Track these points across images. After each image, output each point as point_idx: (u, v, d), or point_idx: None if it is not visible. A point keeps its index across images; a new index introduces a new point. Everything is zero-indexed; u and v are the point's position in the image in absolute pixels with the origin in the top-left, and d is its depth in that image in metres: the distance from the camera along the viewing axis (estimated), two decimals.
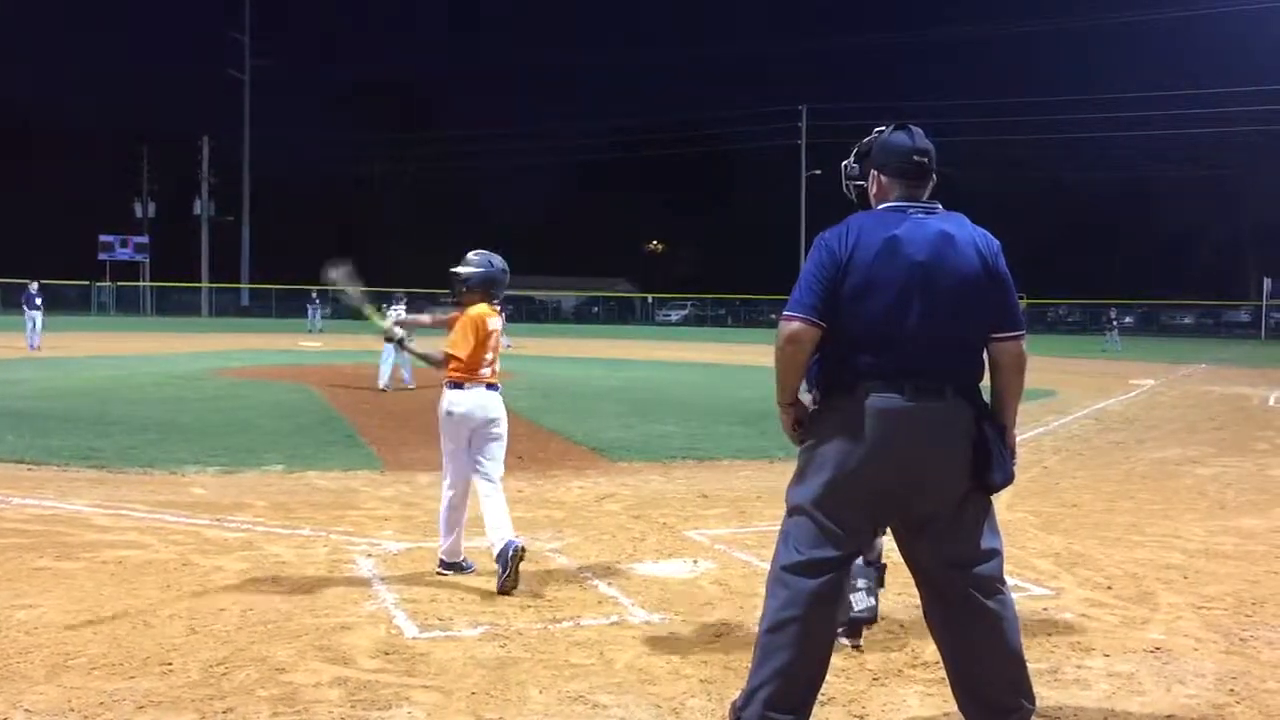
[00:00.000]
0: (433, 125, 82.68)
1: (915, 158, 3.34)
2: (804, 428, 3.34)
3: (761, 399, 16.21)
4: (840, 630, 3.81)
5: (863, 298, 3.18)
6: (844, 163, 3.60)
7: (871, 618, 4.23)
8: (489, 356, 5.64)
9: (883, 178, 3.39)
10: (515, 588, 5.23)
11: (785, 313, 3.25)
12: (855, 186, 3.54)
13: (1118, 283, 61.71)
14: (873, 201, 3.42)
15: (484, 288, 5.69)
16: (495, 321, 5.71)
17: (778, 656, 3.21)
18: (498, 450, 5.66)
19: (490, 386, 5.63)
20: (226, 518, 6.89)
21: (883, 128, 3.48)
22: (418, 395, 16.10)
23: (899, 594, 4.88)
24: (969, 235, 3.27)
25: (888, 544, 4.12)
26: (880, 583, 4.48)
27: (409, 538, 6.44)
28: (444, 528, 5.67)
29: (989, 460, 3.21)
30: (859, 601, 4.07)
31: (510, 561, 5.25)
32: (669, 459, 10.11)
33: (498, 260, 5.76)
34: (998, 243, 3.32)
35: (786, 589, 3.24)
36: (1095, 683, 4.07)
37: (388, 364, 16.66)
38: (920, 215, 3.28)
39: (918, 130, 3.40)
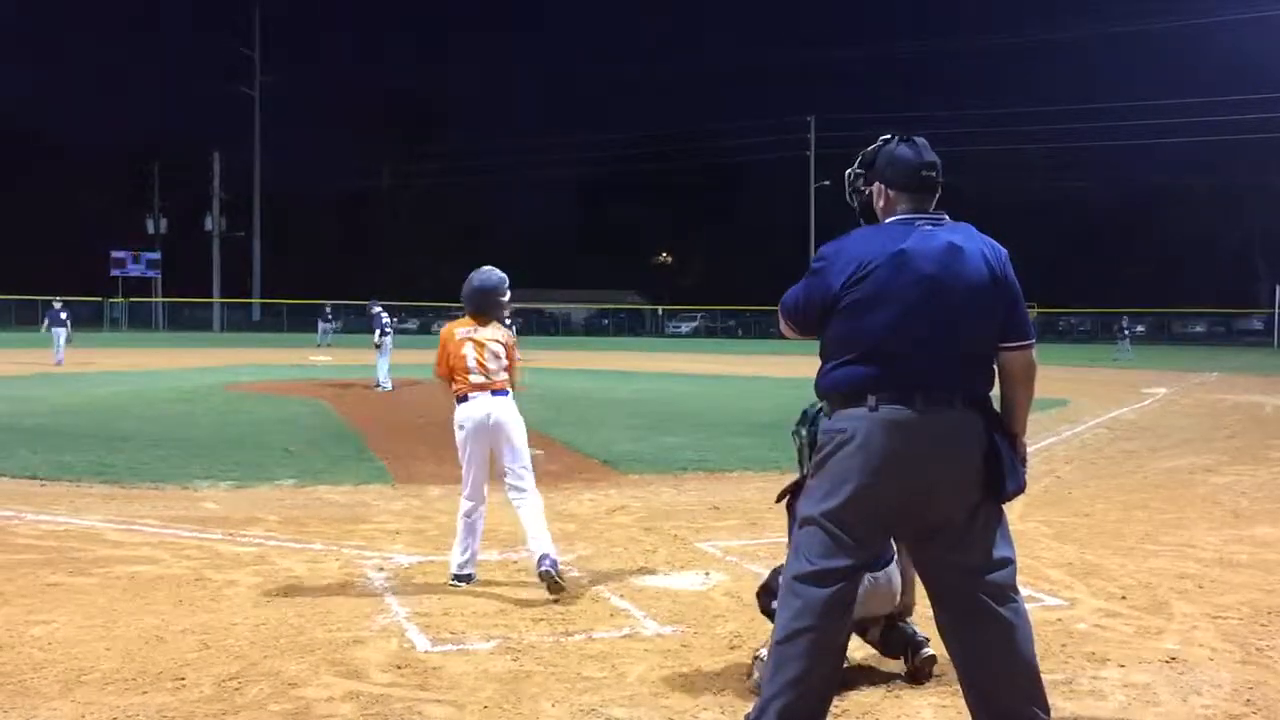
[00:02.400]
0: (441, 139, 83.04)
1: (924, 173, 3.34)
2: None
3: (772, 410, 16.18)
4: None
5: (871, 310, 3.18)
6: (848, 171, 3.58)
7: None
8: (472, 365, 5.70)
9: (890, 192, 3.37)
10: (560, 592, 5.34)
11: (781, 309, 3.42)
12: (859, 196, 3.52)
13: (1129, 291, 61.54)
14: (879, 215, 3.40)
15: (467, 304, 5.88)
16: (485, 332, 5.80)
17: (791, 667, 3.20)
18: (515, 456, 5.73)
19: (496, 392, 5.70)
20: (238, 532, 6.91)
21: (887, 137, 3.46)
22: (428, 407, 16.12)
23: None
24: (977, 246, 3.26)
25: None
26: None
27: (420, 551, 6.45)
28: (457, 539, 5.74)
29: (1000, 469, 3.20)
30: None
31: (546, 578, 5.35)
32: (680, 471, 10.09)
33: (473, 277, 5.89)
34: (1005, 251, 3.31)
35: (798, 599, 3.23)
36: (1111, 693, 4.05)
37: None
38: (927, 227, 3.27)
39: (922, 142, 3.39)
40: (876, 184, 3.41)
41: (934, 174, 3.35)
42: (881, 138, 3.47)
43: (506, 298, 5.93)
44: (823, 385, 3.34)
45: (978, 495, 3.21)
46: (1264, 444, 12.59)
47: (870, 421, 3.17)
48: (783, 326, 3.50)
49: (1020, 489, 3.26)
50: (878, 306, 3.18)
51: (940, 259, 3.20)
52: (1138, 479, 9.82)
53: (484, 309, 5.85)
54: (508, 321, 6.13)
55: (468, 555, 5.70)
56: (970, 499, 3.21)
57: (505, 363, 5.77)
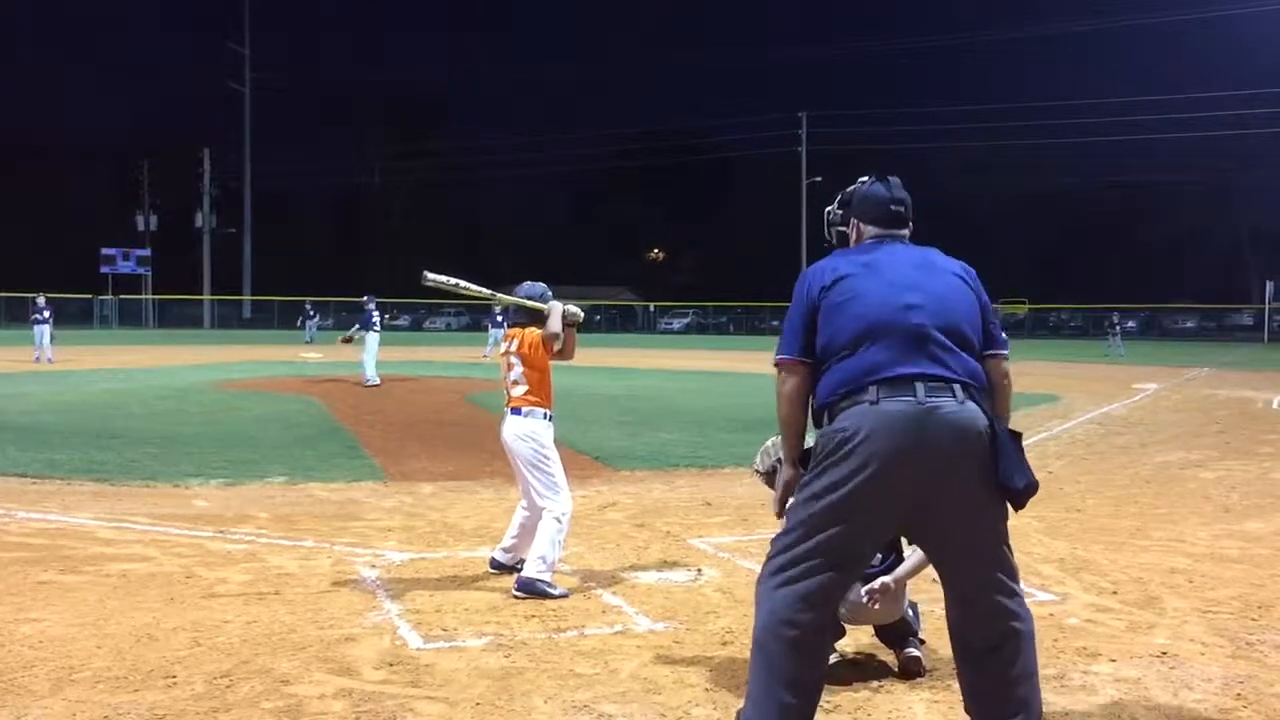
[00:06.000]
0: (434, 136, 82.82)
1: (892, 207, 3.54)
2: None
3: (764, 406, 16.16)
4: None
5: (851, 305, 3.27)
6: (826, 209, 3.82)
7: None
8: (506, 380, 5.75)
9: (861, 225, 3.58)
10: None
11: (775, 358, 3.41)
12: (837, 232, 3.74)
13: (1120, 287, 61.76)
14: (852, 246, 3.60)
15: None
16: (504, 345, 5.85)
17: (778, 662, 3.19)
18: (521, 477, 5.71)
19: (513, 410, 5.68)
20: (230, 530, 6.89)
21: (865, 179, 3.65)
22: (421, 404, 16.10)
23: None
24: (946, 259, 3.46)
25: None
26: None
27: (412, 548, 6.44)
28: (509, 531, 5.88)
29: (1009, 462, 3.13)
30: None
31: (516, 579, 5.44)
32: (672, 467, 10.11)
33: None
34: (973, 270, 3.49)
35: (779, 595, 3.21)
36: (1102, 688, 4.06)
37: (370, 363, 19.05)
38: (896, 245, 3.48)
39: (895, 181, 3.60)
40: (852, 220, 3.63)
41: (902, 209, 3.55)
42: (860, 179, 3.67)
43: (528, 300, 5.73)
44: (821, 395, 3.29)
45: (987, 489, 3.15)
46: (1254, 439, 12.63)
47: (874, 416, 3.12)
48: (782, 386, 3.36)
49: (1031, 485, 3.15)
50: (856, 301, 3.27)
51: (912, 261, 3.40)
52: (1129, 474, 9.85)
53: (514, 320, 5.84)
54: (499, 318, 6.10)
55: (505, 544, 5.82)
56: (978, 492, 3.15)
57: (520, 372, 5.62)
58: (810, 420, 3.36)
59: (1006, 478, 3.14)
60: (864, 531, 3.22)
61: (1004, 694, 3.22)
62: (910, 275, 3.33)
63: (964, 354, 3.26)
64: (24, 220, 67.25)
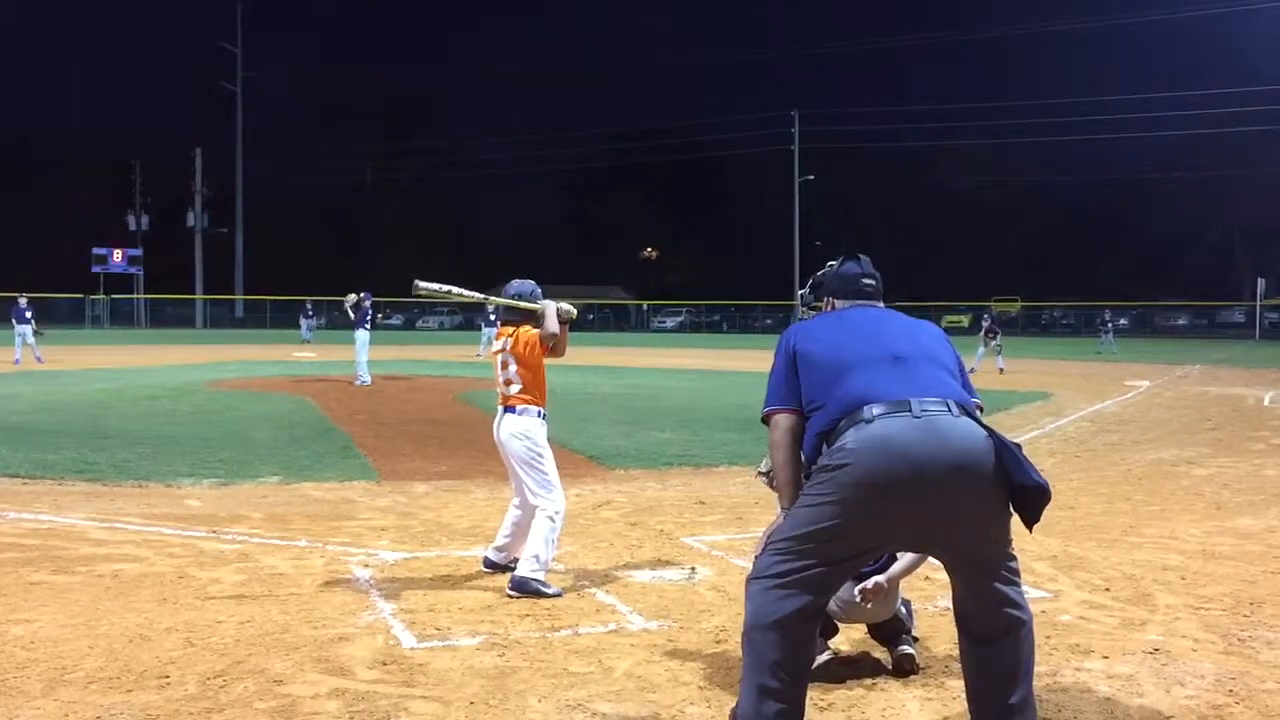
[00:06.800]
0: (427, 135, 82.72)
1: (864, 281, 3.71)
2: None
3: (757, 405, 16.12)
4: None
5: (831, 347, 3.38)
6: (800, 291, 4.00)
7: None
8: (498, 379, 5.74)
9: (835, 301, 3.72)
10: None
11: (763, 412, 3.49)
12: (811, 312, 3.89)
13: (1112, 284, 61.88)
14: None
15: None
16: (498, 343, 5.81)
17: (765, 652, 3.19)
18: (514, 474, 5.71)
19: (506, 409, 5.68)
20: (223, 530, 6.88)
21: (834, 262, 3.82)
22: (413, 403, 16.09)
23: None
24: (916, 319, 3.62)
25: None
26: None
27: (406, 548, 6.43)
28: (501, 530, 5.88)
29: (1020, 463, 3.13)
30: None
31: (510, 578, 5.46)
32: (665, 466, 10.11)
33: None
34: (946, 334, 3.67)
35: (766, 587, 3.21)
36: (1095, 685, 4.07)
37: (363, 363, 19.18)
38: (871, 308, 3.65)
39: (866, 259, 3.78)
40: (826, 299, 3.78)
41: (872, 283, 3.72)
42: (830, 262, 3.85)
43: (521, 301, 5.71)
44: (817, 426, 3.28)
45: (991, 494, 3.14)
46: (1246, 436, 12.67)
47: (871, 433, 3.11)
48: (773, 435, 3.42)
49: (1045, 485, 3.16)
50: (837, 345, 3.39)
51: (887, 314, 3.58)
52: (1121, 471, 9.88)
53: (505, 318, 5.82)
54: (492, 316, 6.11)
55: (498, 543, 5.82)
56: (985, 498, 3.14)
57: (514, 371, 5.61)
58: (805, 465, 3.36)
59: (1023, 475, 3.14)
60: (861, 544, 3.23)
61: (1005, 683, 3.23)
62: (887, 323, 3.51)
63: (951, 381, 3.32)
64: (15, 219, 67.00)
